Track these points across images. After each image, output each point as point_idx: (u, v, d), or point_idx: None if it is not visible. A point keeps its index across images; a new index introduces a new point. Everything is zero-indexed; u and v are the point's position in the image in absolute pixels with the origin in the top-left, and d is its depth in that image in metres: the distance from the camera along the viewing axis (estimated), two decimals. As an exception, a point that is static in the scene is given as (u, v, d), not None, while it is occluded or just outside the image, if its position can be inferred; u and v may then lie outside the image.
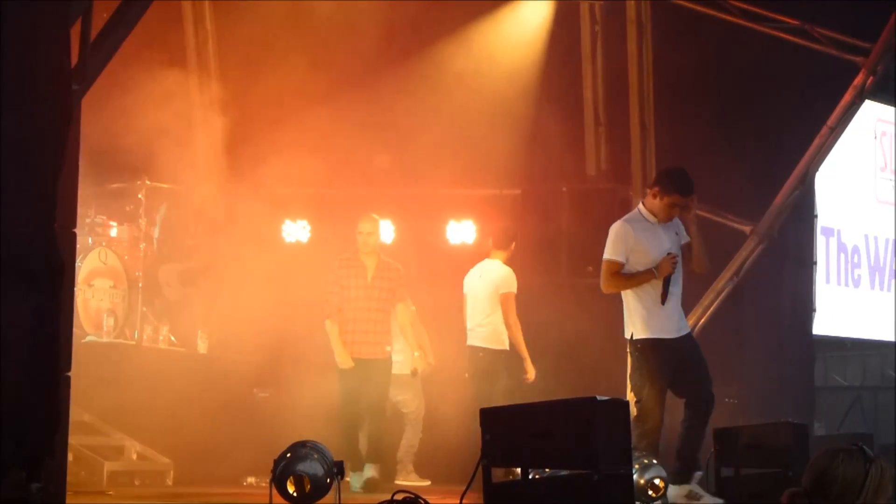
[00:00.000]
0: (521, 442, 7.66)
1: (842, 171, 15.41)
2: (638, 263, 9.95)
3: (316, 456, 8.74)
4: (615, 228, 10.06)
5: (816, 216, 15.23)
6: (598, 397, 7.56)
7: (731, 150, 13.54)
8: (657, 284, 9.91)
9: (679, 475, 9.80)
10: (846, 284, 15.79)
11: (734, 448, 10.20)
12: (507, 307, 12.48)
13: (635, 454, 8.90)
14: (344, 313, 11.99)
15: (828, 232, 15.52)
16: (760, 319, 12.90)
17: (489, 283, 12.51)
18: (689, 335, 10.21)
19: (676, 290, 10.07)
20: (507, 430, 7.71)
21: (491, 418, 7.76)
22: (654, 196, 10.07)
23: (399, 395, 12.98)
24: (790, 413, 12.09)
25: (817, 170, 14.11)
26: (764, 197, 14.11)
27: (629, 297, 10.03)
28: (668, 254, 9.92)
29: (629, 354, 10.08)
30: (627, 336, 10.05)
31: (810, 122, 13.95)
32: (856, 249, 15.90)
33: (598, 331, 13.84)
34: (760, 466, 10.38)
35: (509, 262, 12.57)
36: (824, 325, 15.36)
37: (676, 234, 10.15)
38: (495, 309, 12.41)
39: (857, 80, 13.56)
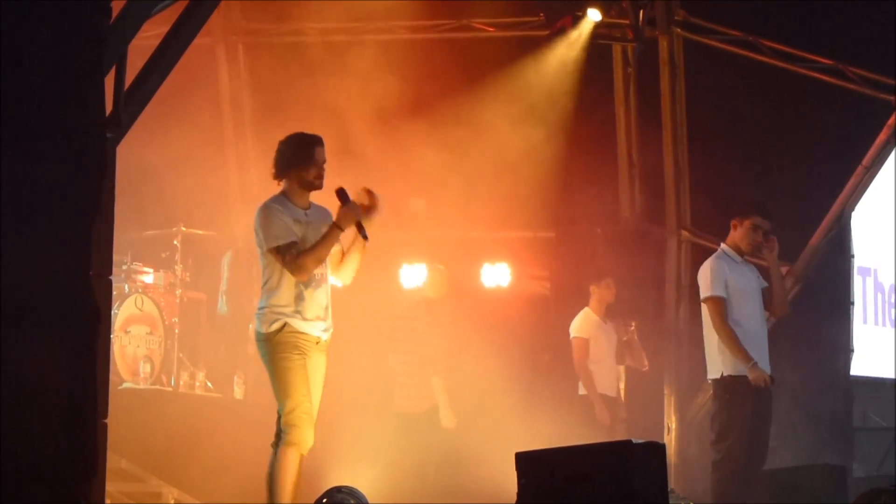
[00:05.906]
0: (558, 486, 7.62)
1: (877, 211, 15.33)
2: (733, 297, 9.79)
3: (352, 501, 8.72)
4: (711, 265, 9.89)
5: (853, 256, 15.14)
6: (634, 440, 7.52)
7: (766, 190, 13.49)
8: (746, 325, 9.76)
9: None
10: (883, 324, 15.66)
11: (771, 491, 10.12)
12: (573, 351, 12.73)
13: (672, 496, 8.85)
14: None
15: (864, 272, 15.41)
16: (797, 360, 12.79)
17: None
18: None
19: (762, 334, 9.90)
20: (543, 475, 7.66)
21: (526, 462, 7.73)
22: (735, 227, 9.98)
23: None
24: (828, 455, 12.00)
25: (853, 209, 14.05)
26: (799, 237, 14.04)
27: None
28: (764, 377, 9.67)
29: (715, 396, 9.82)
30: (715, 376, 9.75)
31: (845, 161, 13.90)
32: (893, 289, 15.78)
33: (632, 370, 13.78)
34: (799, 509, 10.30)
35: (598, 305, 12.87)
36: (862, 365, 15.23)
37: (758, 277, 10.02)
38: None
39: (892, 120, 13.52)
